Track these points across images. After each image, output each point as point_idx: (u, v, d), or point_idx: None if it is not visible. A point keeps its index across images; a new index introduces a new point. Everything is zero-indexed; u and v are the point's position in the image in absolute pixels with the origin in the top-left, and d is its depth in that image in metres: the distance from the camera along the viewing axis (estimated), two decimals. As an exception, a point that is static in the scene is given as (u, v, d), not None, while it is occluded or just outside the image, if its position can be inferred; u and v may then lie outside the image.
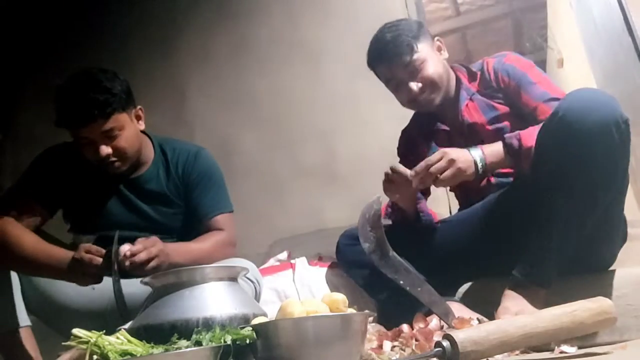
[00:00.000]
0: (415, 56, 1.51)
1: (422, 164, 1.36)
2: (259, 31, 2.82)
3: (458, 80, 1.61)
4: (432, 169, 1.34)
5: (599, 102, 1.16)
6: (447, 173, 1.34)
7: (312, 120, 2.63)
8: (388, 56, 1.54)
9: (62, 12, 3.16)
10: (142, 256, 1.35)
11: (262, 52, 2.79)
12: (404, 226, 1.59)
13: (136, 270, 1.35)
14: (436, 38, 1.63)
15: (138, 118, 1.62)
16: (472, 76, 1.61)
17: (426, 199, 1.70)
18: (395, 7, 2.49)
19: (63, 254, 1.39)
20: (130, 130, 1.55)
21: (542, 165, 1.25)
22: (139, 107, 1.62)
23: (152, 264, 1.36)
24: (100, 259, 1.34)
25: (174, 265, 1.38)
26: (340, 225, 2.06)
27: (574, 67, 2.88)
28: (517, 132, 1.36)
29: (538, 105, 1.44)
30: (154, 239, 1.42)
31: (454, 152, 1.36)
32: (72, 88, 1.49)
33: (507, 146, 1.36)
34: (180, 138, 2.41)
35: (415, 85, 1.52)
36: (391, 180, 1.44)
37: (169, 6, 3.02)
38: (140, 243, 1.37)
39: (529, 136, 1.32)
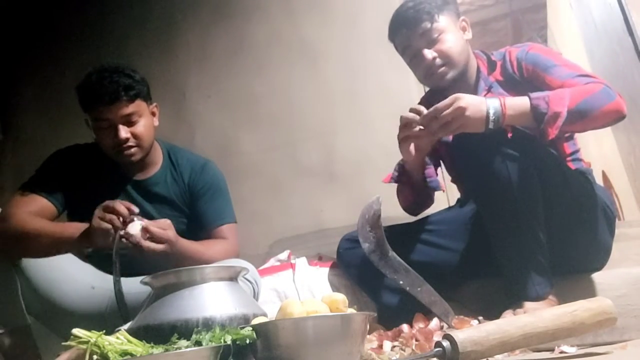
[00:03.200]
0: (434, 25, 1.49)
1: (432, 109, 1.30)
2: (258, 31, 2.81)
3: (478, 68, 1.57)
4: (441, 115, 1.28)
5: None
6: (454, 123, 1.27)
7: (311, 120, 2.62)
8: (407, 22, 1.52)
9: (62, 12, 3.16)
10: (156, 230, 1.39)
11: (261, 52, 2.79)
12: (409, 188, 1.58)
13: (144, 250, 1.37)
14: (462, 18, 1.59)
15: (153, 114, 1.67)
16: (491, 65, 1.56)
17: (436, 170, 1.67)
18: (395, 7, 2.49)
19: (79, 225, 1.44)
20: (148, 120, 1.61)
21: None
22: (155, 103, 1.68)
23: (163, 243, 1.40)
24: (127, 212, 1.37)
25: (179, 254, 1.43)
26: (340, 225, 2.07)
27: (574, 67, 2.87)
28: (545, 93, 1.30)
29: (564, 82, 1.37)
30: (169, 228, 1.44)
31: (466, 100, 1.27)
32: (99, 72, 1.56)
33: (533, 107, 1.28)
34: (180, 138, 2.43)
35: (429, 53, 1.49)
36: (408, 124, 1.38)
37: (168, 6, 3.02)
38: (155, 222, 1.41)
39: (559, 100, 1.26)
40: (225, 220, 1.69)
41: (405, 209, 1.66)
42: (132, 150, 1.58)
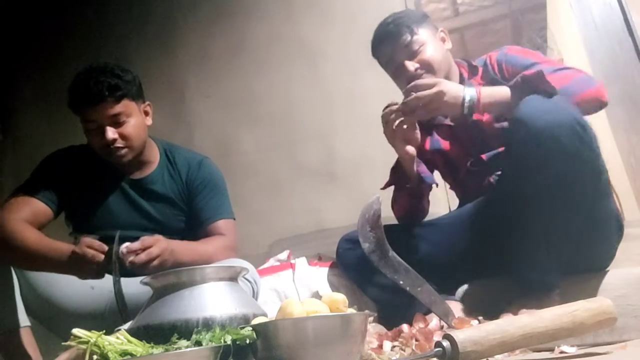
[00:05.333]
0: (414, 38, 1.54)
1: (413, 84, 1.39)
2: (258, 31, 2.82)
3: (461, 75, 1.61)
4: (420, 94, 1.36)
5: (552, 106, 1.21)
6: (432, 104, 1.36)
7: (311, 120, 2.63)
8: (388, 37, 1.58)
9: (61, 12, 3.16)
10: (142, 257, 1.36)
11: (261, 51, 2.79)
12: (406, 193, 1.58)
13: (138, 269, 1.36)
14: (440, 29, 1.64)
15: (146, 114, 1.66)
16: (473, 70, 1.60)
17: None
18: (394, 7, 2.49)
19: (65, 248, 1.42)
20: (137, 120, 1.59)
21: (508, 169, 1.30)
22: (147, 102, 1.67)
23: (155, 263, 1.38)
24: (102, 256, 1.36)
25: (178, 263, 1.41)
26: (340, 225, 2.06)
27: (574, 68, 2.87)
28: (539, 70, 1.30)
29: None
30: (156, 237, 1.44)
31: (446, 85, 1.37)
32: (86, 72, 1.55)
33: (524, 78, 1.30)
34: (179, 138, 2.43)
35: (411, 65, 1.53)
36: (390, 117, 1.43)
37: (168, 6, 3.02)
38: (140, 242, 1.39)
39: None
40: (223, 216, 1.68)
41: (399, 219, 1.66)
42: (122, 151, 1.56)
